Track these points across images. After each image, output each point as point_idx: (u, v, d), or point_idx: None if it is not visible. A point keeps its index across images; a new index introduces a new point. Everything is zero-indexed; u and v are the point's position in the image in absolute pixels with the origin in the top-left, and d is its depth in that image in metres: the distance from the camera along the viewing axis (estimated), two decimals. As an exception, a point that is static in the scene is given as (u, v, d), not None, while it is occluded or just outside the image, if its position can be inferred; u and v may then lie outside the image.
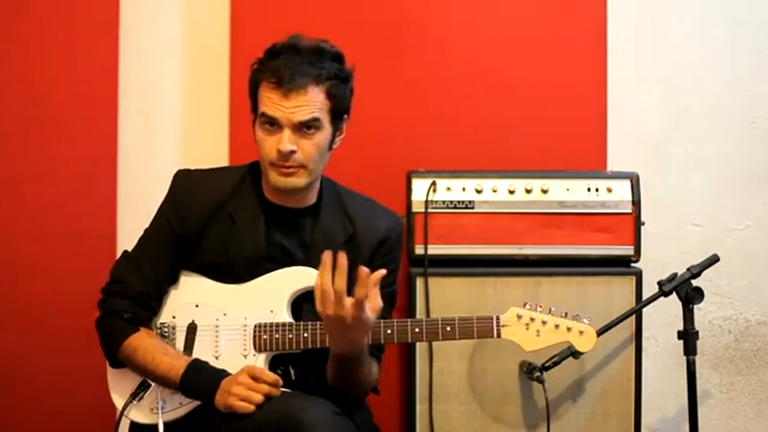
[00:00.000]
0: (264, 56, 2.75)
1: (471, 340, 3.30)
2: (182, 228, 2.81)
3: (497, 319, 2.71)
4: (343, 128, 2.82)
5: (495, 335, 2.71)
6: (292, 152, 2.66)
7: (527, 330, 2.70)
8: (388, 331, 2.71)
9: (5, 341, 3.64)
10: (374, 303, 2.48)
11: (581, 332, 2.71)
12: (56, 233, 3.66)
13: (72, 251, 3.65)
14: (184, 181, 2.88)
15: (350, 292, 2.68)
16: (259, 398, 2.53)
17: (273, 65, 2.69)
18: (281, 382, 2.60)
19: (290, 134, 2.66)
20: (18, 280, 3.65)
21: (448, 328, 2.71)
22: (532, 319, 2.70)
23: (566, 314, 2.72)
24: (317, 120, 2.69)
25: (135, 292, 2.77)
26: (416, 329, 2.71)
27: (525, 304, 2.73)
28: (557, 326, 2.70)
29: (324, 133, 2.72)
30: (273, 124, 2.67)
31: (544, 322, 2.70)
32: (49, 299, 3.64)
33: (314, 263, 2.76)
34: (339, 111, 2.76)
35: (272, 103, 2.66)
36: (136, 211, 3.63)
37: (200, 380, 2.64)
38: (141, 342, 2.72)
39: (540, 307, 2.72)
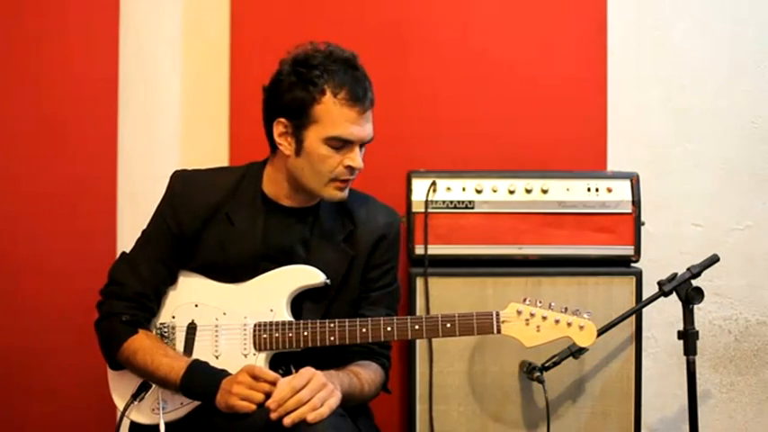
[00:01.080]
0: (312, 69, 2.70)
1: (471, 340, 3.31)
2: (179, 228, 2.81)
3: (497, 315, 2.71)
4: None
5: (495, 331, 2.71)
6: (360, 168, 2.74)
7: (527, 326, 2.71)
8: (388, 329, 2.72)
9: (5, 341, 3.64)
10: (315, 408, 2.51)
11: (581, 327, 2.72)
12: (56, 233, 3.66)
13: (72, 251, 3.66)
14: (181, 181, 2.88)
15: (345, 290, 2.81)
16: (260, 397, 2.53)
17: (340, 80, 2.68)
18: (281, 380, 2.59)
19: (359, 150, 2.72)
20: (18, 280, 3.65)
21: (448, 325, 2.71)
22: (532, 315, 2.71)
23: (565, 309, 2.73)
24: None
25: (133, 293, 2.78)
26: (416, 326, 2.72)
27: (525, 300, 2.73)
28: (557, 321, 2.71)
29: None
30: (344, 143, 2.70)
31: (544, 318, 2.70)
32: (49, 299, 3.64)
33: (313, 262, 2.79)
34: None
35: (348, 122, 2.67)
36: (136, 211, 3.63)
37: (201, 380, 2.64)
38: (140, 344, 2.73)
39: (540, 302, 2.72)
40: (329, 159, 2.70)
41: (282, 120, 2.73)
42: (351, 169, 2.72)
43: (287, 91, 2.72)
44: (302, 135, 2.70)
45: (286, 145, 2.74)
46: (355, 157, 2.70)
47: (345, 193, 2.77)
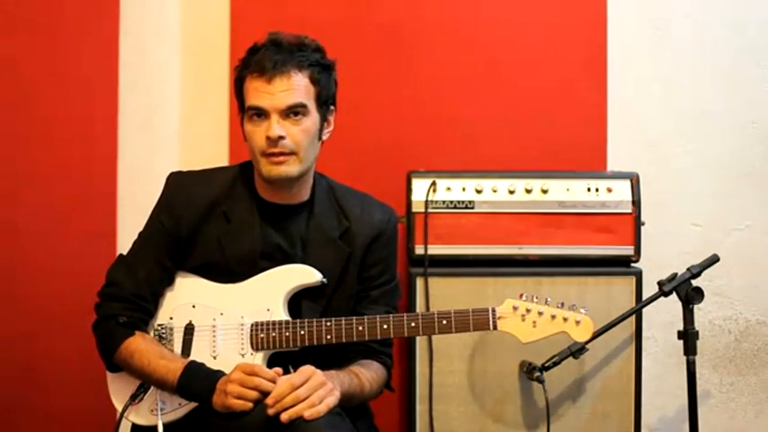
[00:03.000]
0: (246, 55, 2.78)
1: (471, 339, 3.31)
2: (176, 229, 2.81)
3: (493, 311, 2.71)
4: (331, 120, 2.85)
5: (491, 327, 2.71)
6: (281, 137, 2.68)
7: (523, 322, 2.70)
8: (384, 326, 2.71)
9: (5, 341, 3.65)
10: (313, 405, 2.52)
11: (577, 322, 2.71)
12: (56, 233, 3.67)
13: (72, 251, 3.66)
14: (177, 182, 2.89)
15: (342, 287, 2.81)
16: (254, 394, 2.53)
17: (255, 59, 2.73)
18: (280, 372, 2.58)
19: (277, 119, 2.68)
20: (18, 280, 3.66)
21: (444, 322, 2.71)
22: (528, 311, 2.70)
23: (562, 304, 2.72)
24: (302, 105, 2.72)
25: (130, 295, 2.78)
26: (412, 324, 2.72)
27: (521, 296, 2.73)
28: (553, 316, 2.70)
29: (311, 119, 2.74)
30: (261, 114, 2.70)
31: (540, 313, 2.70)
32: (49, 299, 3.65)
33: (310, 259, 2.79)
34: (324, 98, 2.78)
35: (257, 92, 2.69)
36: (136, 211, 3.61)
37: (197, 382, 2.64)
38: (137, 346, 2.73)
39: (537, 298, 2.72)
40: (254, 135, 2.72)
41: (241, 113, 2.81)
42: (270, 140, 2.69)
43: (234, 86, 2.82)
44: (242, 120, 2.77)
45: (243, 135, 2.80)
46: (269, 126, 2.68)
47: (284, 168, 2.72)
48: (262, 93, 2.68)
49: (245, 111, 2.75)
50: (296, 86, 2.70)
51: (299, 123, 2.72)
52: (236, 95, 2.80)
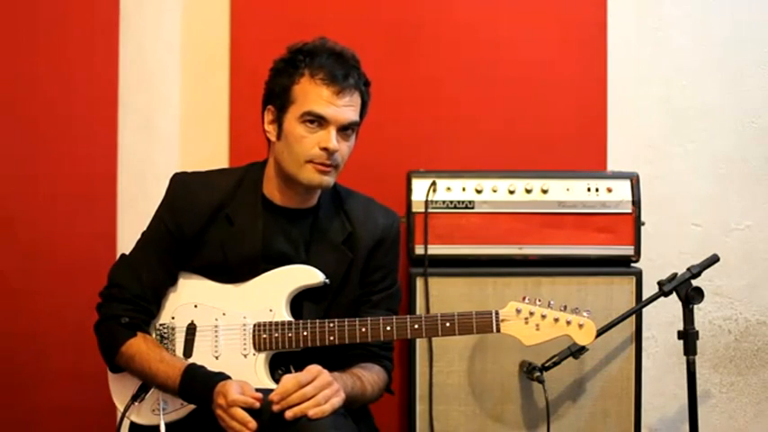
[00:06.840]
0: (297, 53, 2.75)
1: (471, 339, 3.31)
2: (179, 231, 2.81)
3: (496, 313, 2.72)
4: None
5: (494, 330, 2.71)
6: (335, 150, 2.69)
7: (526, 324, 2.71)
8: (388, 328, 2.72)
9: (5, 341, 3.64)
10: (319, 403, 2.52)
11: (580, 325, 2.72)
12: (56, 233, 3.66)
13: (72, 251, 3.66)
14: (181, 184, 2.88)
15: (344, 292, 2.81)
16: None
17: (320, 62, 2.70)
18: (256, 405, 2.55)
19: (334, 132, 2.69)
20: (18, 280, 3.65)
21: (447, 324, 2.71)
22: (531, 313, 2.71)
23: (565, 307, 2.73)
24: (357, 123, 2.76)
25: (132, 296, 2.78)
26: (415, 326, 2.72)
27: (524, 298, 2.73)
28: (556, 319, 2.71)
29: (354, 137, 2.78)
30: (317, 122, 2.69)
31: (543, 316, 2.71)
32: (49, 299, 3.64)
33: (312, 263, 2.79)
34: (362, 117, 2.81)
35: (322, 100, 2.68)
36: (136, 211, 3.62)
37: (196, 389, 2.64)
38: (137, 349, 2.73)
39: (540, 301, 2.73)
40: (304, 140, 2.69)
41: (270, 107, 2.78)
42: (326, 152, 2.68)
43: (274, 77, 2.78)
44: (283, 118, 2.73)
45: (272, 131, 2.78)
46: (329, 138, 2.68)
47: (326, 179, 2.73)
48: (328, 103, 2.68)
49: (296, 112, 2.70)
50: (356, 104, 2.74)
51: (347, 139, 2.74)
52: (277, 90, 2.76)
